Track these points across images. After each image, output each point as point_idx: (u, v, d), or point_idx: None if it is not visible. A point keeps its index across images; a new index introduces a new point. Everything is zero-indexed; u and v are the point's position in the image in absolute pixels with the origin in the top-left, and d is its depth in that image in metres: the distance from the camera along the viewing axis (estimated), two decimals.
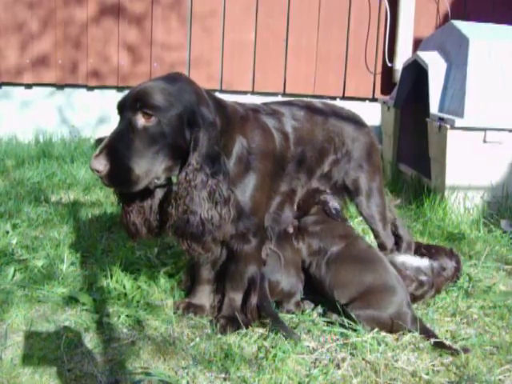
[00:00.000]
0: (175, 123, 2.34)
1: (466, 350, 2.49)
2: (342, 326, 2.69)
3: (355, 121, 3.16)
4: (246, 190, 2.61)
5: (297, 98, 3.44)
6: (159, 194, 2.60)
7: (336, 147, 3.03)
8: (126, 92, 2.45)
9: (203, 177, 2.35)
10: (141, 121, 2.31)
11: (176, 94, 2.36)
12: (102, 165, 2.26)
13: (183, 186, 2.35)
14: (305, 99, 3.29)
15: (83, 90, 6.57)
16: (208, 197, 2.36)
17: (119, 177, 2.31)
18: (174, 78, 2.45)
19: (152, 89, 2.35)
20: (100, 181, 2.37)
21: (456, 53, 4.58)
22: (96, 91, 6.57)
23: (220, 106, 2.57)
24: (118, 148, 2.30)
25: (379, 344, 2.58)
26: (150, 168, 2.34)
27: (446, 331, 2.73)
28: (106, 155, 2.27)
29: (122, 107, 2.37)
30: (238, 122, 2.64)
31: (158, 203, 2.60)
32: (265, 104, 2.97)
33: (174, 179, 2.51)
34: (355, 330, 2.64)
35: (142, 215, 2.59)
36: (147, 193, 2.55)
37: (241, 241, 2.67)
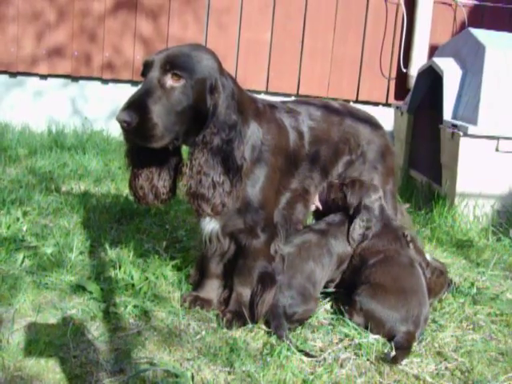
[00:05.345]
0: (200, 87, 2.44)
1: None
2: (347, 326, 2.69)
3: (371, 122, 3.16)
4: (256, 181, 2.64)
5: (314, 98, 3.46)
6: (170, 161, 2.66)
7: (351, 148, 3.04)
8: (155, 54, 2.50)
9: (219, 141, 2.44)
10: (169, 81, 2.41)
11: (201, 60, 2.47)
12: (130, 117, 2.32)
13: (199, 146, 2.45)
14: (321, 99, 3.30)
15: (97, 83, 6.60)
16: (222, 161, 2.45)
17: (145, 130, 2.37)
18: (199, 47, 2.58)
19: (182, 53, 2.47)
20: (123, 135, 2.45)
21: (472, 60, 4.57)
22: (110, 84, 6.60)
23: (239, 89, 2.62)
24: (146, 103, 2.36)
25: (384, 346, 2.58)
26: (173, 126, 2.42)
27: (452, 336, 2.73)
28: (135, 108, 2.34)
29: (151, 66, 2.44)
30: (255, 110, 2.69)
31: (167, 171, 2.67)
32: (283, 102, 2.98)
33: (184, 153, 2.59)
34: (358, 332, 2.64)
35: (149, 180, 2.66)
36: (158, 159, 2.62)
37: (249, 235, 2.68)
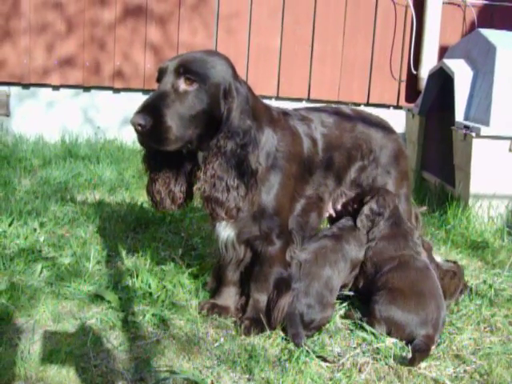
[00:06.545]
0: (213, 91, 2.47)
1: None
2: (365, 330, 2.70)
3: (383, 127, 3.17)
4: (271, 188, 2.65)
5: (325, 105, 3.47)
6: (186, 167, 2.69)
7: (363, 154, 3.04)
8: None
9: (233, 145, 2.46)
10: (183, 85, 2.44)
11: (215, 65, 2.51)
12: (144, 120, 2.35)
13: (213, 151, 2.47)
14: (333, 105, 3.31)
15: (109, 92, 6.64)
16: (236, 165, 2.47)
17: (159, 134, 2.40)
18: (212, 53, 2.62)
19: (195, 58, 2.51)
20: (138, 138, 2.47)
21: (483, 61, 4.57)
22: (121, 93, 6.64)
23: (253, 95, 2.65)
24: (160, 107, 2.40)
25: (402, 350, 2.58)
26: (186, 130, 2.44)
27: (470, 339, 2.72)
28: (149, 112, 2.38)
29: (164, 72, 2.48)
30: (270, 117, 2.71)
31: (183, 176, 2.70)
32: (295, 110, 3.00)
33: (200, 157, 2.62)
34: (376, 336, 2.65)
35: (166, 185, 2.69)
36: (174, 164, 2.66)
37: (264, 242, 2.70)
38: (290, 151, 2.71)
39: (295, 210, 2.82)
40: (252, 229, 2.69)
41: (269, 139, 2.66)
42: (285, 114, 2.84)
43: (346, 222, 3.01)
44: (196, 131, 2.48)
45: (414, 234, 2.99)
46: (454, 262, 3.21)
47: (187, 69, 2.44)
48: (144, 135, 2.40)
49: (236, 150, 2.46)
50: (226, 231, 2.73)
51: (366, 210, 2.96)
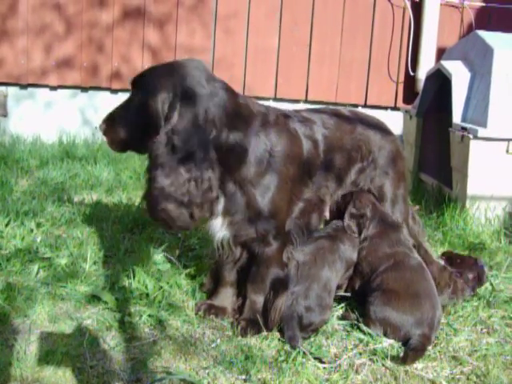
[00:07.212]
0: (152, 100, 2.51)
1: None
2: (361, 331, 2.70)
3: (381, 129, 3.17)
4: (266, 191, 2.65)
5: (325, 106, 3.47)
6: None
7: (363, 155, 3.04)
8: None
9: (166, 153, 2.45)
10: (131, 94, 2.67)
11: (164, 75, 2.55)
12: (102, 127, 2.72)
13: (149, 158, 2.53)
14: (332, 107, 3.31)
15: (107, 93, 6.63)
16: (168, 174, 2.44)
17: (112, 138, 2.72)
18: (174, 62, 2.71)
19: (144, 70, 2.71)
20: None
21: (480, 62, 4.57)
22: (119, 94, 6.62)
23: (235, 102, 2.62)
24: (114, 116, 2.71)
25: (399, 351, 2.58)
26: (129, 135, 2.66)
27: (467, 340, 2.72)
28: (107, 120, 2.72)
29: None
30: (262, 121, 2.68)
31: None
32: (297, 111, 2.99)
33: None
34: (372, 337, 2.65)
35: None
36: None
37: (261, 243, 2.70)
38: (286, 154, 2.70)
39: (294, 212, 2.82)
40: (249, 231, 2.69)
41: (260, 144, 2.64)
42: (285, 116, 2.83)
43: (337, 222, 3.03)
44: (137, 135, 2.63)
45: (402, 227, 3.02)
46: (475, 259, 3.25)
47: (134, 79, 2.67)
48: (105, 139, 2.76)
49: (170, 159, 2.47)
50: (221, 231, 2.73)
51: (347, 217, 2.99)
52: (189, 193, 2.44)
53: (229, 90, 2.64)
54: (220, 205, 2.64)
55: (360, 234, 2.97)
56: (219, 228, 2.71)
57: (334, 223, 3.02)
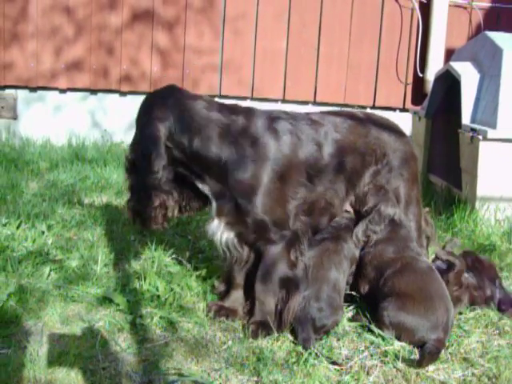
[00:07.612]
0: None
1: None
2: (372, 333, 2.70)
3: (395, 131, 3.16)
4: (254, 196, 2.69)
5: (340, 109, 3.47)
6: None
7: (377, 158, 3.03)
8: None
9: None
10: None
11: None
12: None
13: None
14: (347, 109, 3.31)
15: (116, 95, 6.66)
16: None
17: None
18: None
19: None
20: None
21: (489, 63, 4.57)
22: (128, 96, 6.65)
23: (207, 119, 2.75)
24: None
25: (410, 352, 2.58)
26: None
27: (478, 342, 2.72)
28: None
29: None
30: (249, 131, 2.74)
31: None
32: (307, 114, 3.00)
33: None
34: (383, 339, 2.65)
35: None
36: None
37: (267, 242, 2.72)
38: (279, 158, 2.73)
39: (295, 212, 2.82)
40: (251, 232, 2.72)
41: (244, 151, 2.70)
42: (272, 118, 2.83)
43: (340, 220, 3.03)
44: None
45: (413, 241, 3.00)
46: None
47: None
48: None
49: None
50: (224, 234, 2.76)
51: (360, 229, 2.98)
52: None
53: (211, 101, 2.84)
54: (213, 208, 2.76)
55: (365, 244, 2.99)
56: (216, 229, 2.77)
57: (336, 221, 3.02)
